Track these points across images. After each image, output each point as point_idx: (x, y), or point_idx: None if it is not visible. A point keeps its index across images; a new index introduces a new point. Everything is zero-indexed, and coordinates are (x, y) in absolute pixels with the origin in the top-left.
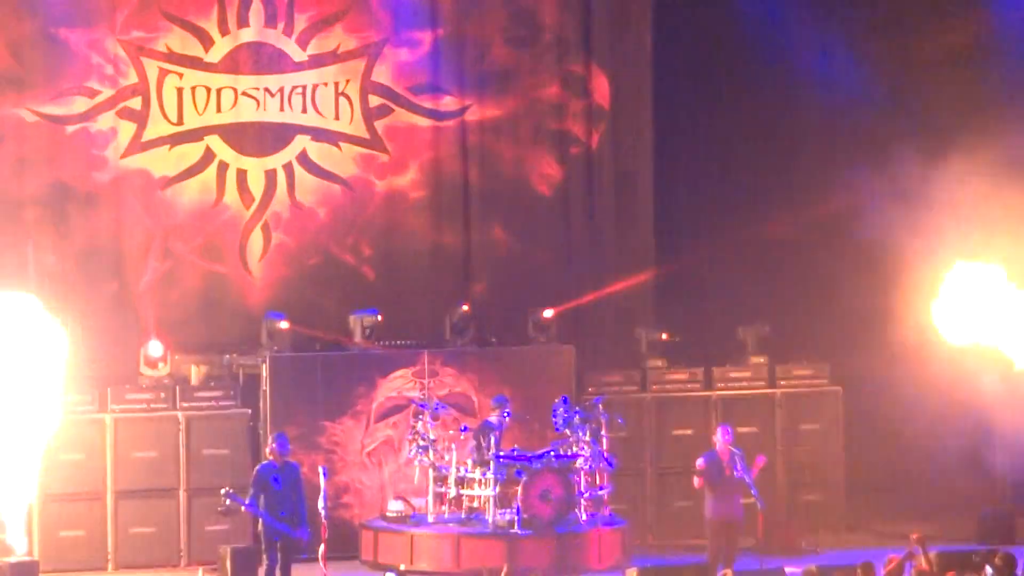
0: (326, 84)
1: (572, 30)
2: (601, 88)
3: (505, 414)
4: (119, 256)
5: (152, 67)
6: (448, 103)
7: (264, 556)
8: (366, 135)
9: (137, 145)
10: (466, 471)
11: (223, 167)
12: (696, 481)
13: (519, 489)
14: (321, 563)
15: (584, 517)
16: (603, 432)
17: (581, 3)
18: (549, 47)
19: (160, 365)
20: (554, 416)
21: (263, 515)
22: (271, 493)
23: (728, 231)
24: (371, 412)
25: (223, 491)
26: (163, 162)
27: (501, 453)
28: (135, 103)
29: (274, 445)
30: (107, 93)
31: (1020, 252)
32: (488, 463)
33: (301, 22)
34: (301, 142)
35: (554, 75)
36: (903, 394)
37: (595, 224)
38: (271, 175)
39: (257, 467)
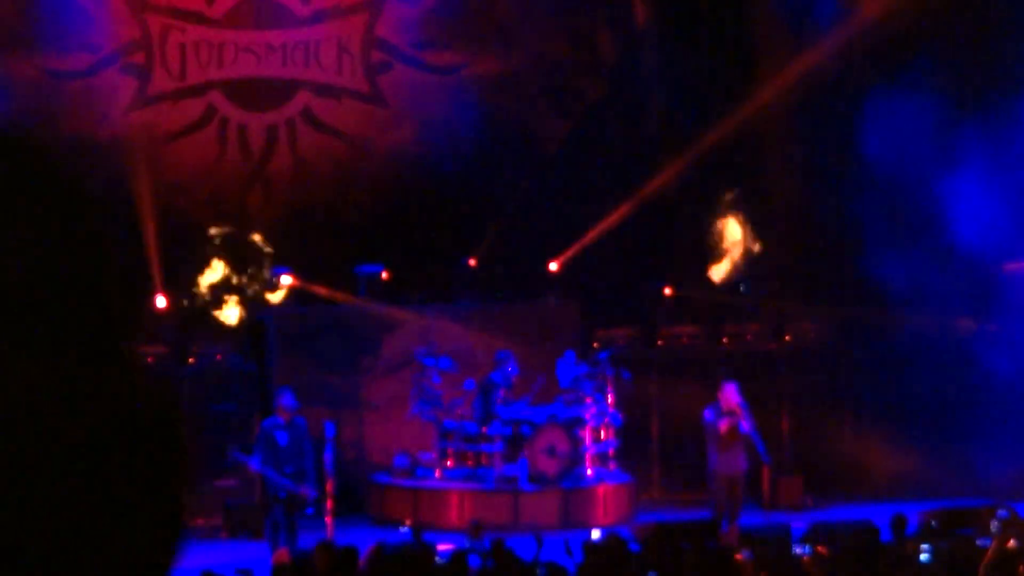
0: (328, 39)
1: None
2: (607, 44)
3: (509, 369)
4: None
5: (155, 22)
6: (450, 58)
7: (270, 512)
8: (368, 90)
9: (140, 100)
10: (471, 426)
11: (225, 122)
12: (723, 425)
13: (525, 444)
14: (327, 518)
15: (590, 472)
16: (609, 387)
17: None
18: (554, 2)
19: (165, 320)
20: (560, 371)
21: (267, 472)
22: (276, 449)
23: (733, 184)
24: (377, 367)
25: (229, 450)
26: (166, 117)
27: (507, 408)
28: (138, 58)
29: (281, 401)
30: (110, 48)
31: None
32: (493, 418)
33: None
34: (303, 97)
35: (560, 30)
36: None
37: (601, 180)
38: (273, 130)
39: (262, 422)
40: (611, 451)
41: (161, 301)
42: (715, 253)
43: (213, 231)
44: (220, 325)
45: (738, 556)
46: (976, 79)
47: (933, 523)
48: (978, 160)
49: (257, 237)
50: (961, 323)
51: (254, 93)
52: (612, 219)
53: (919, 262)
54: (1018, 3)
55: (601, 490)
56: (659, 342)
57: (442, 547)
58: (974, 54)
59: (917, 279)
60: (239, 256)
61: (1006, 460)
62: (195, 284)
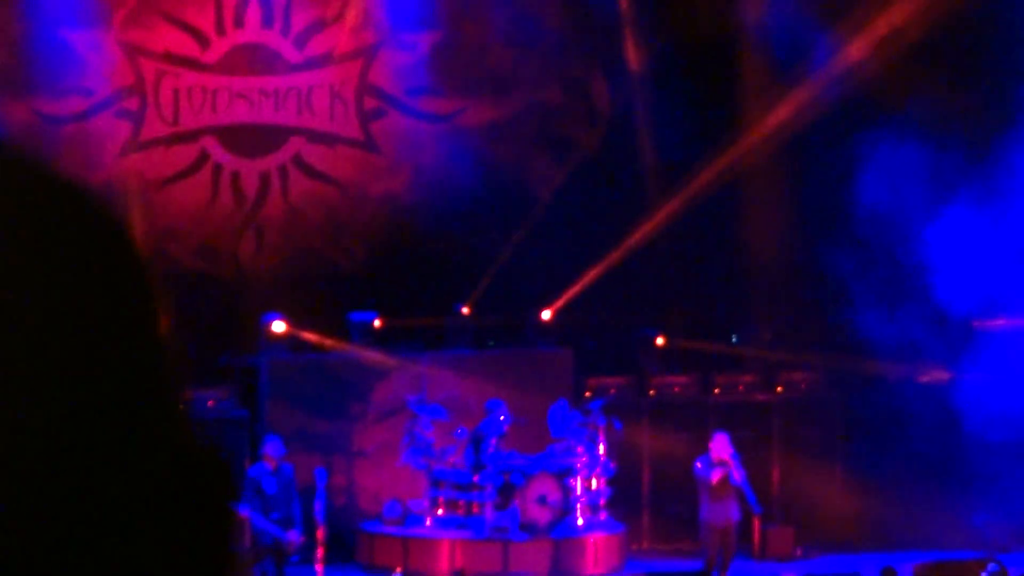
0: (321, 85)
1: (573, 33)
2: (600, 92)
3: (502, 418)
4: None
5: (149, 67)
6: (444, 105)
7: (259, 560)
8: (361, 137)
9: (134, 145)
10: (462, 475)
11: (218, 168)
12: (714, 475)
13: (516, 493)
14: (317, 566)
15: (581, 522)
16: (600, 436)
17: (582, 6)
18: (549, 50)
19: None
20: (551, 420)
21: (254, 518)
22: (263, 496)
23: (727, 233)
24: (368, 415)
25: None
26: (159, 163)
27: (498, 457)
28: (132, 103)
29: (266, 449)
30: (104, 93)
31: None
32: (484, 467)
33: (298, 23)
34: (295, 144)
35: (554, 78)
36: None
37: (593, 228)
38: (265, 177)
39: (248, 470)
40: (602, 500)
41: None
42: None
43: None
44: (212, 370)
45: None
46: (965, 132)
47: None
48: (964, 213)
49: None
50: (945, 376)
51: (247, 139)
52: (604, 268)
53: (908, 315)
54: (1006, 54)
55: (592, 540)
56: (651, 391)
57: None
58: (962, 105)
59: (905, 332)
60: None
61: (997, 513)
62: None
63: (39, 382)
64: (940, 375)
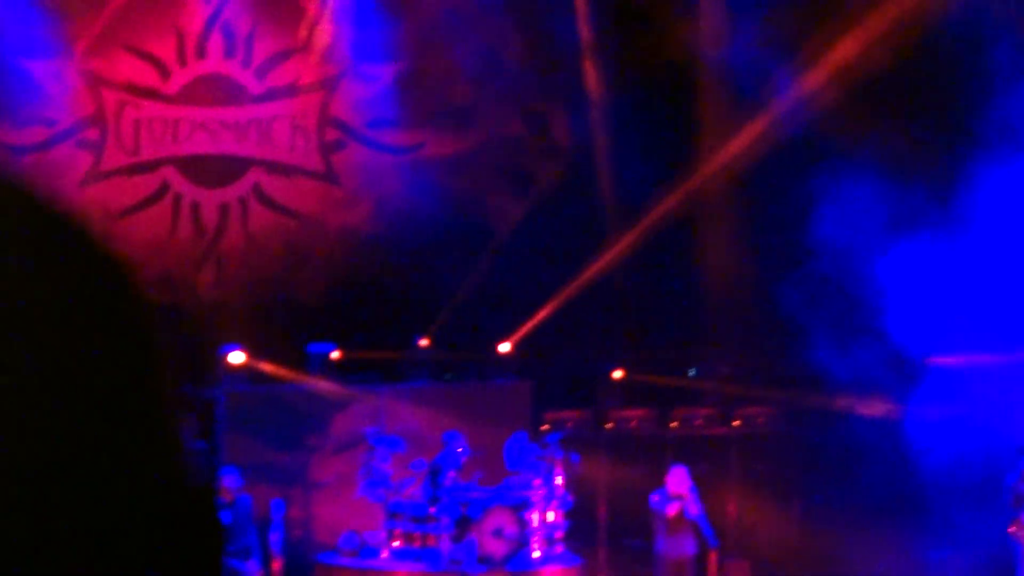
0: (282, 117)
1: (534, 67)
2: (560, 126)
3: (459, 450)
4: None
5: (110, 98)
6: (406, 138)
7: None
8: (322, 169)
9: (94, 175)
10: (419, 507)
11: (178, 199)
12: (670, 509)
13: (472, 526)
14: None
15: (537, 554)
16: (557, 469)
17: (543, 41)
18: (510, 83)
19: None
20: (508, 453)
21: None
22: None
23: (685, 267)
24: (326, 447)
25: None
26: (119, 193)
27: (455, 490)
28: (93, 133)
29: (223, 480)
30: (66, 123)
31: None
32: (441, 499)
33: (259, 55)
34: (254, 175)
35: (515, 112)
36: (856, 433)
37: (554, 262)
38: (225, 207)
39: None
40: (559, 533)
41: None
42: None
43: None
44: None
45: None
46: (921, 167)
47: None
48: (920, 249)
49: None
50: (900, 411)
51: (207, 170)
52: (563, 301)
53: (864, 351)
54: (963, 89)
55: (548, 572)
56: (608, 425)
57: None
58: (919, 141)
59: (862, 368)
60: None
61: (953, 549)
62: None
63: (35, 396)
64: (895, 411)
